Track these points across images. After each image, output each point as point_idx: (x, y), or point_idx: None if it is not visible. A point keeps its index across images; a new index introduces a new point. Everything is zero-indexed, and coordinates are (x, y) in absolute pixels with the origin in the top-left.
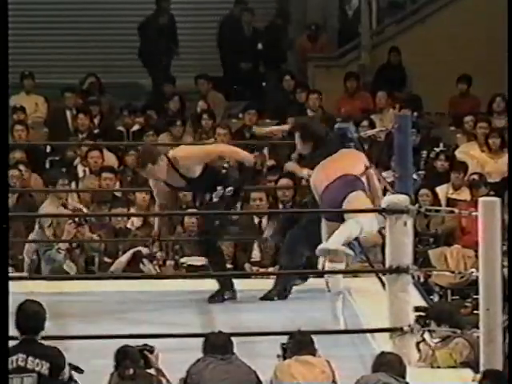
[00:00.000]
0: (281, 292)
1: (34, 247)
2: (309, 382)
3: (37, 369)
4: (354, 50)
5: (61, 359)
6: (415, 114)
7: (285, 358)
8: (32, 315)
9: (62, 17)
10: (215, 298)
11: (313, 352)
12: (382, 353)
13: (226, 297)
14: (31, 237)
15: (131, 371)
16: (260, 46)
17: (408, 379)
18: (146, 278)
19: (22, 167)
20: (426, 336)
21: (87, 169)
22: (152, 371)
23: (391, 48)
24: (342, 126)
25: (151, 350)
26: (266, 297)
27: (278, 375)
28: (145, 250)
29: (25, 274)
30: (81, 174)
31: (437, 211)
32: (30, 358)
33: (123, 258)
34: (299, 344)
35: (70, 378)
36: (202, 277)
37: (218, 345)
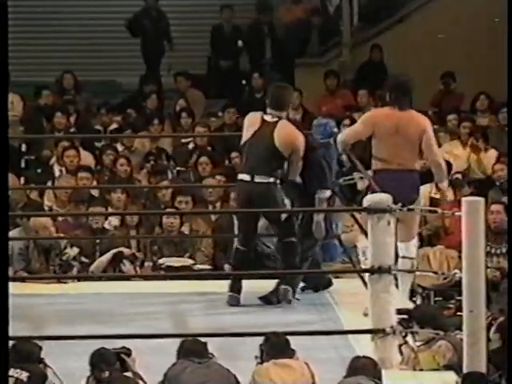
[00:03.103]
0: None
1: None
2: None
3: (15, 375)
4: (335, 48)
5: (43, 376)
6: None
7: (262, 361)
8: (25, 356)
9: (38, 13)
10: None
11: (290, 354)
12: (357, 357)
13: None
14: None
15: (107, 374)
16: (240, 43)
17: (390, 382)
18: (124, 278)
19: None
20: (409, 338)
21: (63, 168)
22: (129, 374)
23: (373, 45)
24: (321, 121)
25: (128, 352)
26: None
27: (256, 379)
28: (126, 251)
29: None
30: (57, 174)
31: (420, 211)
32: (12, 369)
33: (104, 258)
34: (275, 346)
35: None
36: (181, 278)
37: (193, 350)
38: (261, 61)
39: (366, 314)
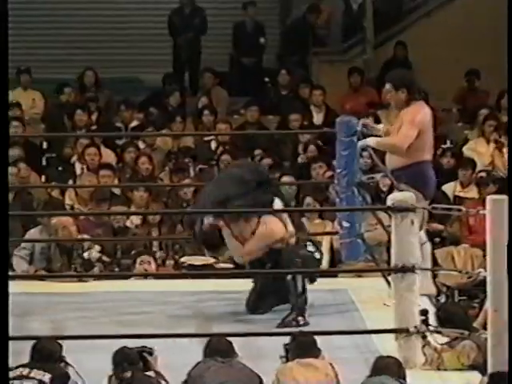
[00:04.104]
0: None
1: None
2: None
3: (38, 377)
4: (359, 45)
5: (65, 377)
6: None
7: (287, 360)
8: (48, 354)
9: (60, 10)
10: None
11: (316, 354)
12: (381, 356)
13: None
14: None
15: (129, 374)
16: (262, 40)
17: (414, 382)
18: (147, 275)
19: (21, 164)
20: (431, 339)
21: (85, 166)
22: (151, 374)
23: (397, 42)
24: (344, 119)
25: (150, 351)
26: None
27: (279, 378)
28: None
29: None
30: (78, 172)
31: (443, 209)
32: (35, 370)
33: None
34: (301, 346)
35: None
36: (202, 276)
37: (219, 349)
38: (285, 58)
39: (386, 304)
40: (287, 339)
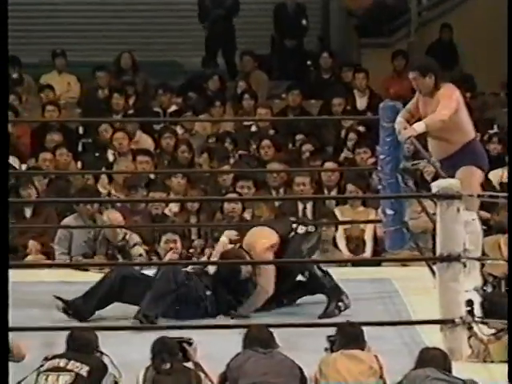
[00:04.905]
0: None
1: (68, 234)
2: (355, 382)
3: (75, 370)
4: (403, 28)
5: (103, 368)
6: (467, 94)
7: (332, 352)
8: (85, 344)
9: None
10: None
11: (362, 346)
12: (426, 348)
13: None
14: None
15: (168, 365)
16: (304, 22)
17: (460, 375)
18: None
19: (61, 150)
20: (477, 330)
21: (116, 152)
22: (190, 365)
23: (443, 25)
24: (388, 103)
25: (190, 342)
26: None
27: (322, 369)
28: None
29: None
30: (111, 158)
31: (491, 197)
32: (72, 362)
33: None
34: (347, 336)
35: None
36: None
37: (259, 339)
38: (326, 41)
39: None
40: (326, 330)
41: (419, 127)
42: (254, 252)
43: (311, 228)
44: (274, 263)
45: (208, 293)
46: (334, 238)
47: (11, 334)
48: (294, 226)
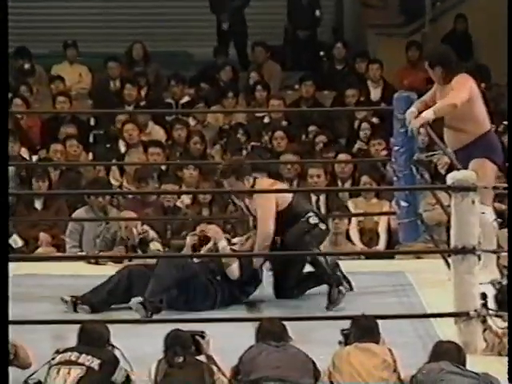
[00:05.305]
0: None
1: (79, 227)
2: (369, 376)
3: (87, 363)
4: (418, 19)
5: (114, 362)
6: (482, 85)
7: (346, 345)
8: (96, 337)
9: None
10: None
11: (376, 339)
12: (441, 341)
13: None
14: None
15: (180, 359)
16: (318, 13)
17: (475, 368)
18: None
19: (71, 142)
20: (492, 323)
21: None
22: (202, 358)
23: (457, 15)
24: (402, 94)
25: (203, 335)
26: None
27: (335, 363)
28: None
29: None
30: (122, 149)
31: (505, 188)
32: (83, 355)
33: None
34: (363, 328)
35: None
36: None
37: (272, 332)
38: (340, 31)
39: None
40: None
41: (428, 114)
42: (258, 186)
43: (322, 225)
44: (283, 255)
45: (218, 278)
46: (347, 231)
47: (20, 333)
48: (309, 214)
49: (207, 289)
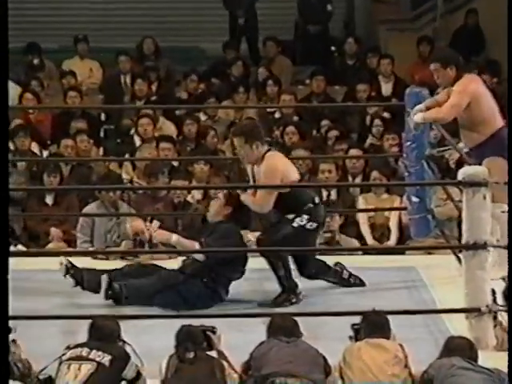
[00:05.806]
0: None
1: (90, 222)
2: (379, 371)
3: (98, 359)
4: (429, 13)
5: (125, 357)
6: (494, 80)
7: (357, 340)
8: (108, 333)
9: None
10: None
11: (387, 335)
12: (452, 337)
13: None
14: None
15: (191, 354)
16: (329, 7)
17: (487, 364)
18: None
19: (82, 137)
20: (502, 319)
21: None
22: (213, 353)
23: (468, 10)
24: (413, 90)
25: (214, 330)
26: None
27: (346, 358)
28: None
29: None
30: (137, 144)
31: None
32: (94, 351)
33: None
34: (373, 324)
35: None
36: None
37: (283, 327)
38: (351, 26)
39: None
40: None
41: (417, 117)
42: (269, 158)
43: (311, 225)
44: (297, 251)
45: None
46: (341, 227)
47: (31, 328)
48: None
49: (203, 290)
